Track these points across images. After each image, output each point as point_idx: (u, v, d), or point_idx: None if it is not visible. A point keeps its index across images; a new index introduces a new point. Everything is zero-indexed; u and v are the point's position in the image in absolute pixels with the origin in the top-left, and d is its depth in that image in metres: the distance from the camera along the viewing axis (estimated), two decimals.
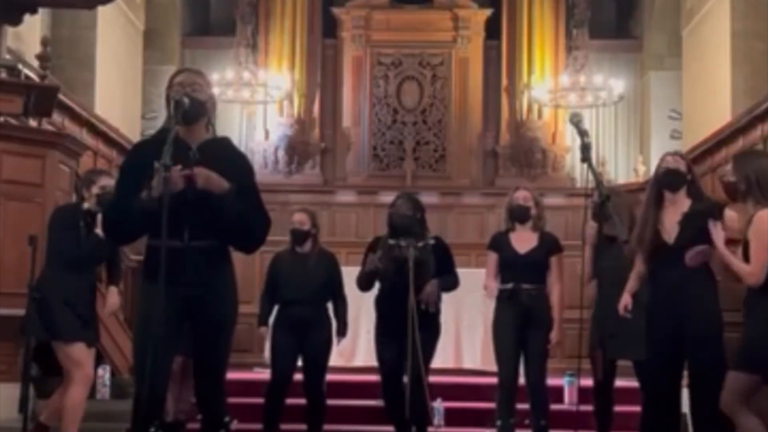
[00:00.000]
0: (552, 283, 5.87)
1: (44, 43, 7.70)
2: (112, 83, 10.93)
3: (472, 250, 9.82)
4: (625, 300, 5.15)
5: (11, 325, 5.96)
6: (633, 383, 5.77)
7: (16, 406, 5.64)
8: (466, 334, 8.79)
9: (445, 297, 6.00)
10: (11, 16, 7.20)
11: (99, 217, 5.16)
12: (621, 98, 11.96)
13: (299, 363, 6.18)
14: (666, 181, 4.87)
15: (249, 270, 9.07)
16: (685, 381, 4.88)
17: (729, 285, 4.79)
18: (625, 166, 12.64)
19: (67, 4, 8.66)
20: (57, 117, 8.41)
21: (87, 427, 5.62)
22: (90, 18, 10.14)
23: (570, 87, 11.86)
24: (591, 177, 4.60)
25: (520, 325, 5.78)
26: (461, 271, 6.14)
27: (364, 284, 5.96)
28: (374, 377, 6.49)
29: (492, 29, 12.65)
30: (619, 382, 5.87)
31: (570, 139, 12.12)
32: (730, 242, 4.70)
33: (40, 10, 7.98)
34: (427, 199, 6.24)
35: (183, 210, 3.67)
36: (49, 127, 7.61)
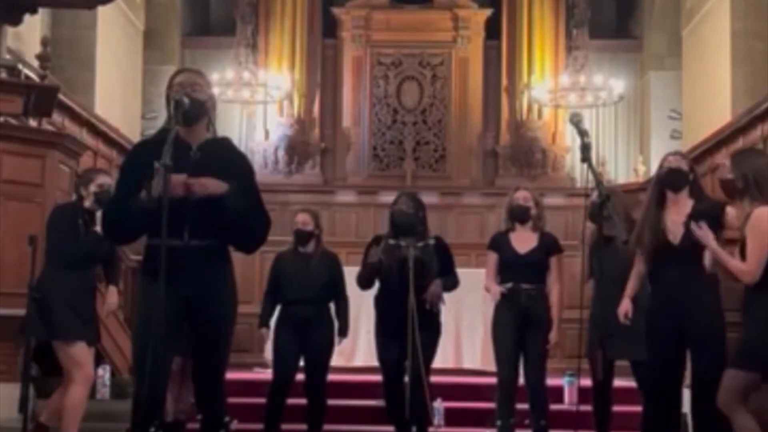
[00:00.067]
0: (552, 283, 5.88)
1: (44, 43, 7.70)
2: (112, 83, 10.93)
3: (472, 250, 9.82)
4: (625, 306, 5.15)
5: (11, 325, 5.96)
6: (632, 383, 5.77)
7: (16, 406, 5.64)
8: (466, 334, 8.79)
9: (445, 297, 5.99)
10: (11, 16, 7.20)
11: (98, 214, 5.18)
12: (621, 98, 11.96)
13: (301, 363, 6.18)
14: (669, 180, 4.86)
15: (249, 270, 9.08)
16: (686, 381, 4.88)
17: (729, 285, 4.78)
18: (625, 166, 12.64)
19: (67, 4, 8.66)
20: (57, 117, 8.41)
21: (87, 427, 5.62)
22: (90, 18, 10.14)
23: (570, 87, 11.86)
24: (591, 177, 4.60)
25: (519, 326, 5.78)
26: (461, 271, 6.14)
27: (364, 282, 5.96)
28: (374, 377, 6.49)
29: (492, 29, 12.65)
30: (619, 382, 5.87)
31: (570, 139, 12.12)
32: (731, 242, 4.70)
33: (40, 10, 7.98)
34: (427, 199, 6.24)
35: (183, 209, 3.67)
36: (49, 127, 7.61)
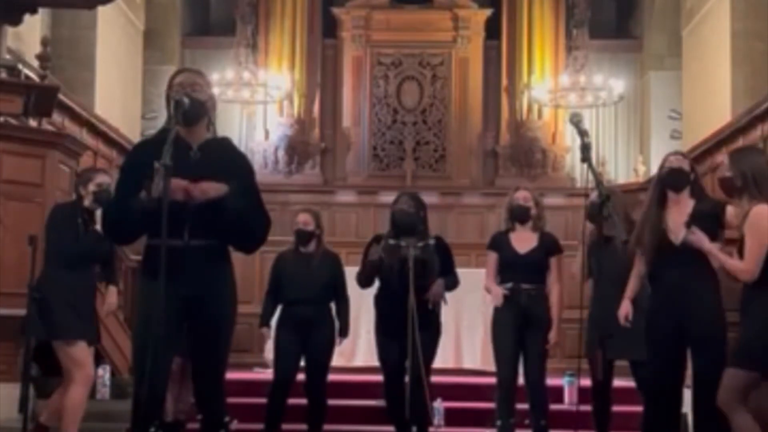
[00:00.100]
0: (551, 283, 5.88)
1: (44, 43, 7.70)
2: (112, 83, 10.94)
3: (472, 250, 9.82)
4: (626, 309, 5.15)
5: (11, 325, 5.96)
6: (632, 383, 5.77)
7: (16, 406, 5.64)
8: (466, 334, 8.79)
9: (446, 297, 5.99)
10: (11, 16, 7.20)
11: (98, 213, 5.19)
12: (621, 98, 11.97)
13: (302, 363, 6.18)
14: (670, 180, 4.86)
15: (249, 270, 9.08)
16: (686, 381, 4.88)
17: (730, 285, 4.77)
18: (625, 166, 12.64)
19: (67, 4, 8.66)
20: (57, 117, 8.42)
21: (87, 427, 5.62)
22: (90, 18, 10.14)
23: (570, 87, 11.86)
24: (591, 177, 4.60)
25: (519, 325, 5.78)
26: (461, 271, 6.14)
27: (364, 281, 5.96)
28: (374, 377, 6.49)
29: (492, 29, 12.66)
30: (619, 383, 5.87)
31: (570, 139, 12.12)
32: (732, 242, 4.70)
33: (40, 10, 7.98)
34: (427, 199, 6.24)
35: (183, 210, 3.67)
36: (49, 127, 7.61)
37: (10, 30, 7.44)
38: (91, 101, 10.21)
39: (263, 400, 6.25)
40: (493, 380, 6.00)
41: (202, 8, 13.49)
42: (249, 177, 3.92)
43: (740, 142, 8.98)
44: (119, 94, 11.30)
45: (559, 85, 11.94)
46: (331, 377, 6.31)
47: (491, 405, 6.00)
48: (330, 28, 12.84)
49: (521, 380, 5.85)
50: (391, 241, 5.79)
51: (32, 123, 7.03)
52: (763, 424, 4.43)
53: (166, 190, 3.53)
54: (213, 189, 3.71)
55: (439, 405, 6.68)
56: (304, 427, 6.24)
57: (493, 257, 5.96)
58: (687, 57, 11.62)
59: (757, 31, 9.91)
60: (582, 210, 5.75)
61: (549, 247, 5.92)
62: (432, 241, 5.85)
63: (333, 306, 6.22)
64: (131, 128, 11.41)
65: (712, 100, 10.53)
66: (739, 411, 4.31)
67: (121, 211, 3.81)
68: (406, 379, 5.67)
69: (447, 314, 6.08)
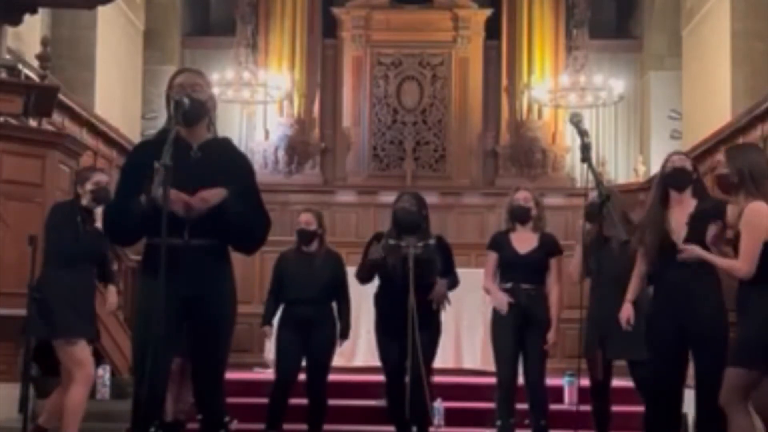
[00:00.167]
0: (551, 284, 5.87)
1: (44, 43, 7.70)
2: (112, 83, 10.93)
3: (472, 250, 9.81)
4: (627, 312, 5.14)
5: (11, 325, 5.96)
6: (632, 383, 5.76)
7: (16, 406, 5.64)
8: (466, 334, 8.79)
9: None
10: (11, 16, 7.20)
11: (97, 211, 5.20)
12: (621, 98, 11.96)
13: (303, 363, 6.18)
14: (673, 180, 4.86)
15: (249, 270, 9.08)
16: (687, 381, 4.87)
17: (731, 284, 4.77)
18: (625, 166, 12.64)
19: (67, 4, 8.66)
20: (57, 117, 8.41)
21: (87, 427, 5.62)
22: (90, 18, 10.14)
23: (570, 87, 11.86)
24: (591, 177, 4.60)
25: (518, 326, 5.78)
26: (461, 271, 6.15)
27: (364, 277, 5.96)
28: (374, 377, 6.49)
29: (492, 29, 12.65)
30: (619, 383, 5.87)
31: (570, 139, 12.12)
32: (731, 240, 4.69)
33: (40, 10, 7.98)
34: (427, 199, 6.23)
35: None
36: (49, 127, 7.62)
37: (10, 30, 7.44)
38: (91, 101, 10.21)
39: (263, 400, 6.25)
40: (493, 380, 6.00)
41: (202, 8, 13.48)
42: (249, 177, 3.92)
43: (740, 142, 8.97)
44: (119, 94, 11.30)
45: (559, 85, 11.94)
46: (331, 377, 6.31)
47: (491, 405, 6.00)
48: (330, 28, 12.84)
49: (521, 380, 5.85)
50: (391, 241, 5.79)
51: (32, 123, 7.03)
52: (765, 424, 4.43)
53: (166, 190, 3.53)
54: (213, 196, 3.71)
55: (439, 405, 6.68)
56: (304, 427, 6.24)
57: (492, 257, 5.96)
58: (687, 57, 11.62)
59: (757, 31, 9.91)
60: (582, 210, 5.76)
61: (549, 247, 5.92)
62: (432, 241, 5.85)
63: (335, 306, 6.22)
64: (131, 128, 11.41)
65: (712, 100, 10.53)
66: (739, 411, 4.30)
67: (121, 212, 3.80)
68: (407, 379, 5.67)
69: (447, 314, 6.08)
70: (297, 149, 12.42)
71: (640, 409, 5.36)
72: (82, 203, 5.46)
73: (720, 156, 9.13)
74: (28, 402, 5.45)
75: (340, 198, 12.43)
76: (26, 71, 7.76)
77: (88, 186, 5.45)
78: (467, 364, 8.71)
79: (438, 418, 6.65)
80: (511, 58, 12.54)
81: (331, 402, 6.29)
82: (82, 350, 5.34)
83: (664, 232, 4.77)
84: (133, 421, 3.82)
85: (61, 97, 7.91)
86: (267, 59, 12.36)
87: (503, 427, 5.77)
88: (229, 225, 3.76)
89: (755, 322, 4.33)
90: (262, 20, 12.54)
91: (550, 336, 5.79)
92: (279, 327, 6.23)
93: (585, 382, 5.78)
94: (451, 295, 5.98)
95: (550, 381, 6.07)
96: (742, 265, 4.37)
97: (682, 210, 4.80)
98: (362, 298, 6.54)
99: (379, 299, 5.97)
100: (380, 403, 6.52)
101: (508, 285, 5.83)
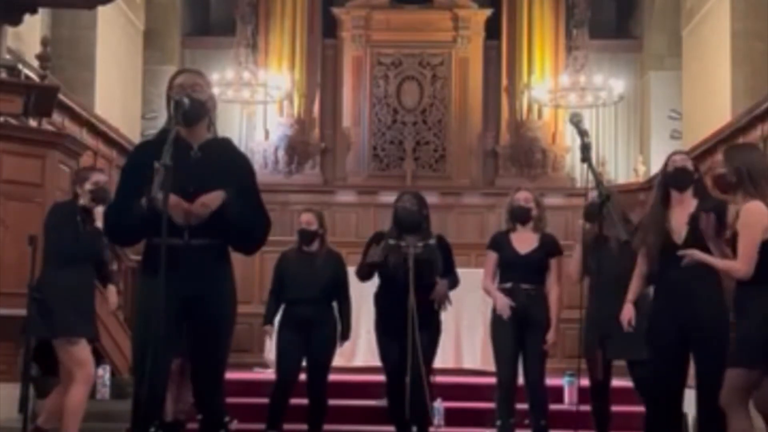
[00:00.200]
0: (551, 284, 5.87)
1: (44, 43, 7.70)
2: (112, 83, 10.93)
3: (472, 250, 9.82)
4: (629, 313, 5.14)
5: (11, 325, 5.96)
6: (631, 383, 5.76)
7: (16, 406, 5.64)
8: (466, 334, 8.79)
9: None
10: (11, 16, 7.20)
11: (97, 211, 5.21)
12: (621, 98, 11.96)
13: (304, 363, 6.18)
14: (674, 180, 4.86)
15: (249, 270, 9.08)
16: (688, 381, 4.87)
17: (732, 285, 4.76)
18: (625, 166, 12.64)
19: (67, 4, 8.66)
20: (57, 117, 8.41)
21: (87, 427, 5.62)
22: (90, 18, 10.14)
23: (570, 87, 11.86)
24: (591, 177, 4.59)
25: (518, 326, 5.78)
26: (461, 271, 6.15)
27: (364, 276, 5.96)
28: (374, 377, 6.49)
29: (492, 29, 12.65)
30: (619, 383, 5.87)
31: (570, 139, 12.12)
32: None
33: (40, 10, 7.98)
34: (427, 199, 6.23)
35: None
36: (49, 127, 7.62)
37: (10, 30, 7.44)
38: (91, 101, 10.21)
39: (263, 400, 6.25)
40: (493, 380, 6.00)
41: (202, 8, 13.48)
42: (249, 178, 3.92)
43: (740, 142, 8.97)
44: (119, 94, 11.30)
45: (559, 85, 11.94)
46: (331, 377, 6.31)
47: (491, 405, 6.00)
48: (330, 28, 12.84)
49: (521, 380, 5.85)
50: (391, 241, 5.79)
51: (32, 123, 7.03)
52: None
53: (167, 190, 3.53)
54: (213, 200, 3.71)
55: (439, 405, 6.68)
56: (304, 427, 6.24)
57: (492, 257, 5.96)
58: (687, 57, 11.62)
59: (757, 31, 9.90)
60: (582, 210, 5.76)
61: (549, 248, 5.92)
62: (433, 241, 5.85)
63: (335, 306, 6.22)
64: (131, 128, 11.41)
65: (712, 100, 10.53)
66: (739, 412, 4.29)
67: (121, 213, 3.81)
68: (407, 379, 5.67)
69: (447, 314, 6.08)
70: (297, 149, 12.42)
71: (640, 409, 5.36)
72: (81, 203, 5.46)
73: (720, 156, 9.17)
74: (28, 402, 5.45)
75: (340, 198, 12.43)
76: (26, 71, 7.76)
77: (87, 186, 5.45)
78: (467, 364, 8.71)
79: (438, 418, 6.65)
80: (511, 58, 12.53)
81: (331, 402, 6.29)
82: (83, 350, 5.34)
83: (665, 232, 4.76)
84: (133, 421, 3.82)
85: (61, 97, 7.91)
86: (267, 59, 12.36)
87: (503, 427, 5.77)
88: (229, 225, 3.76)
89: (755, 322, 4.32)
90: (262, 20, 12.54)
91: (550, 336, 5.79)
92: (280, 327, 6.23)
93: (585, 382, 5.78)
94: (451, 295, 5.99)
95: (550, 381, 6.07)
96: (740, 266, 4.36)
97: (683, 210, 4.80)
98: (362, 298, 6.54)
99: (379, 299, 5.97)
100: (380, 403, 6.52)
101: (508, 285, 5.83)
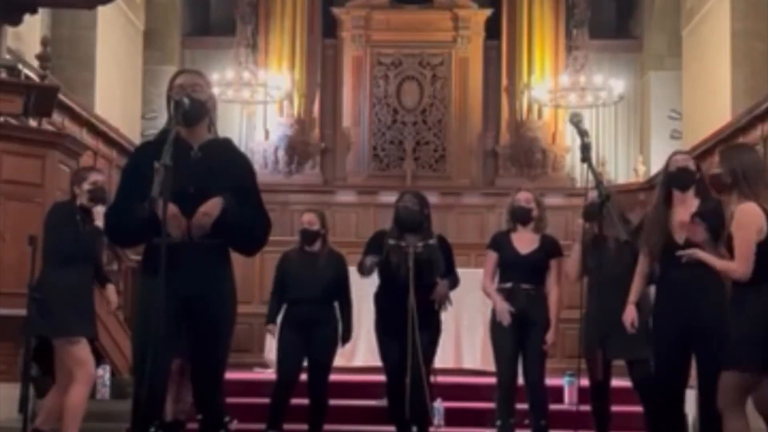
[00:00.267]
0: (551, 285, 5.87)
1: (44, 43, 7.70)
2: (112, 83, 10.93)
3: (472, 250, 9.81)
4: (631, 314, 5.13)
5: (11, 325, 5.96)
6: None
7: (16, 406, 5.64)
8: (466, 334, 8.79)
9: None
10: (11, 16, 7.20)
11: (97, 211, 5.21)
12: (621, 98, 11.96)
13: (305, 363, 6.18)
14: (677, 179, 4.86)
15: (249, 270, 9.08)
16: (690, 381, 4.87)
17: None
18: (625, 166, 12.64)
19: (67, 4, 8.66)
20: (57, 117, 8.41)
21: (87, 427, 5.62)
22: (90, 18, 10.14)
23: (570, 87, 11.86)
24: (591, 177, 4.59)
25: (518, 326, 5.77)
26: (461, 271, 6.15)
27: (365, 273, 5.96)
28: (374, 377, 6.49)
29: (492, 29, 12.65)
30: (619, 383, 5.86)
31: (570, 139, 12.12)
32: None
33: (40, 10, 7.98)
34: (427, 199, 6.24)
35: (183, 208, 3.68)
36: (49, 127, 7.62)
37: (10, 30, 7.44)
38: (91, 101, 10.21)
39: (263, 400, 6.25)
40: (493, 380, 6.00)
41: (202, 8, 13.48)
42: (250, 178, 3.93)
43: (740, 142, 8.97)
44: (119, 94, 11.30)
45: (559, 85, 11.94)
46: (332, 377, 6.31)
47: (491, 405, 6.00)
48: (330, 28, 12.84)
49: (521, 380, 5.85)
50: (391, 241, 5.79)
51: (32, 123, 7.03)
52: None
53: (167, 190, 3.53)
54: (213, 208, 3.71)
55: (439, 405, 6.68)
56: (304, 426, 6.24)
57: (492, 257, 5.96)
58: (687, 57, 11.62)
59: (757, 31, 9.91)
60: (582, 210, 5.75)
61: (550, 249, 5.91)
62: (433, 241, 5.85)
63: (337, 306, 6.22)
64: (131, 128, 11.41)
65: (712, 100, 10.53)
66: (735, 414, 4.28)
67: (122, 214, 3.81)
68: (407, 379, 5.67)
69: (447, 314, 6.09)
70: (297, 149, 12.42)
71: (640, 409, 5.37)
72: (80, 202, 5.46)
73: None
74: (28, 402, 5.44)
75: (340, 198, 12.43)
76: (26, 71, 7.76)
77: (85, 186, 5.46)
78: (467, 364, 8.71)
79: (438, 418, 6.65)
80: (511, 58, 12.53)
81: (332, 402, 6.29)
82: (83, 349, 5.34)
83: (667, 232, 4.76)
84: (133, 421, 3.82)
85: (61, 97, 7.91)
86: (267, 59, 12.36)
87: (503, 427, 5.77)
88: (230, 226, 3.76)
89: (752, 322, 4.31)
90: (262, 20, 12.54)
91: (549, 336, 5.79)
92: (281, 327, 6.24)
93: (585, 382, 5.78)
94: (451, 295, 5.99)
95: (550, 381, 6.07)
96: (738, 266, 4.36)
97: (685, 209, 4.80)
98: (362, 298, 6.54)
99: (380, 299, 5.97)
100: (380, 403, 6.52)
101: (508, 285, 5.83)
